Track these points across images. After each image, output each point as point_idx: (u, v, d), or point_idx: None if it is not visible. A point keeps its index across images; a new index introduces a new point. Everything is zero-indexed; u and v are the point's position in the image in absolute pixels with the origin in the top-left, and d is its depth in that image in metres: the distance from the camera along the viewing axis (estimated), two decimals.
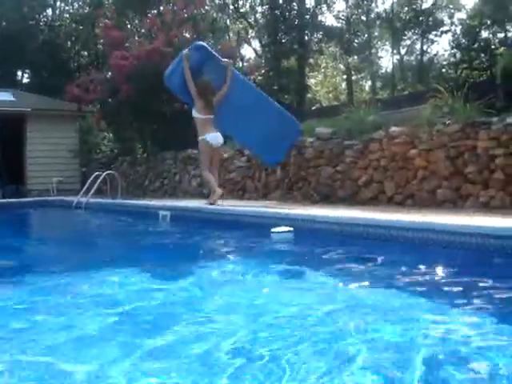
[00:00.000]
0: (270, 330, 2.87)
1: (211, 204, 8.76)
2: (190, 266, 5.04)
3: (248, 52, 32.36)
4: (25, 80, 32.36)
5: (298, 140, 10.12)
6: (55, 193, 16.07)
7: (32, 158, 17.13)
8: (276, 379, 2.12)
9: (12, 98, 18.23)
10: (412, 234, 5.24)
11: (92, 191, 12.36)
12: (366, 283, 4.06)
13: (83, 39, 30.11)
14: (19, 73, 32.37)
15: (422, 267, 4.52)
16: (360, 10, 29.64)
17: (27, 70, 31.96)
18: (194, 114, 9.17)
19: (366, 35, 29.63)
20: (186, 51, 8.97)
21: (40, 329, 2.98)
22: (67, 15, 33.16)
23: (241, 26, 30.58)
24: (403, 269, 4.42)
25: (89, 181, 12.96)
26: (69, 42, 30.82)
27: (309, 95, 28.35)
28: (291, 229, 6.15)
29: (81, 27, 30.48)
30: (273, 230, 6.15)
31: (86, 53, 31.71)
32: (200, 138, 9.24)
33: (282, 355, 2.37)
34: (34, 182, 16.98)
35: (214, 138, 9.15)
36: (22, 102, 17.84)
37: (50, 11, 32.79)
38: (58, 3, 32.95)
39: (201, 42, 9.81)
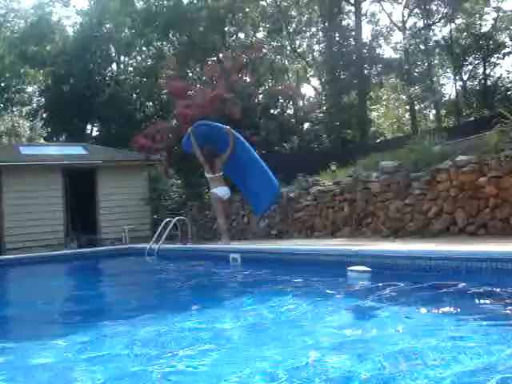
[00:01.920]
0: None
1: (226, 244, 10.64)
2: (269, 305, 5.07)
3: (308, 90, 32.61)
4: (94, 133, 33.64)
5: (363, 176, 10.10)
6: (127, 241, 16.47)
7: (104, 208, 17.70)
8: None
9: (84, 152, 18.99)
10: None
11: (163, 237, 12.61)
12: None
13: (147, 91, 31.17)
14: (89, 126, 33.71)
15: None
16: (418, 40, 29.47)
17: (96, 124, 33.24)
18: (205, 173, 11.23)
19: (426, 64, 29.37)
20: (190, 128, 11.15)
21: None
22: (131, 68, 34.45)
23: (299, 65, 30.93)
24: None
25: (160, 227, 13.23)
26: (134, 95, 31.96)
27: (372, 128, 28.23)
28: (369, 269, 6.05)
29: (144, 79, 31.59)
30: (350, 268, 6.10)
31: (150, 103, 32.78)
32: (211, 191, 11.32)
33: None
34: (106, 231, 17.49)
35: (221, 191, 11.08)
36: (93, 155, 18.56)
37: (114, 66, 34.18)
38: (122, 58, 34.31)
39: (201, 121, 11.84)
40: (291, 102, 20.56)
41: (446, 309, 4.35)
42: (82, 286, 8.95)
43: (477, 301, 4.53)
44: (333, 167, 13.06)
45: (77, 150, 19.22)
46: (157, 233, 13.14)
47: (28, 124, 33.16)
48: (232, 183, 11.91)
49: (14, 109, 35.36)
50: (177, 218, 13.45)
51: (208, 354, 3.42)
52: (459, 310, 4.32)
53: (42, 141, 31.66)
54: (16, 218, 16.34)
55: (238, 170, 11.15)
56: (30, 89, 36.62)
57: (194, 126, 11.24)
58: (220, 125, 11.22)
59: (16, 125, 30.60)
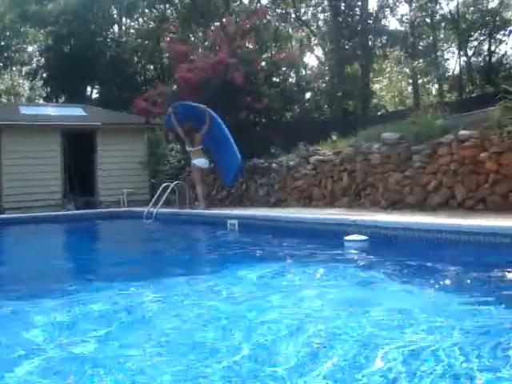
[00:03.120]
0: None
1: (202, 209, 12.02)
2: (264, 272, 5.09)
3: (311, 60, 32.34)
4: (94, 95, 33.39)
5: (363, 147, 10.06)
6: (125, 204, 16.47)
7: (102, 171, 17.63)
8: None
9: (83, 113, 18.86)
10: None
11: (161, 202, 12.62)
12: None
13: (149, 54, 30.82)
14: (89, 88, 33.44)
15: None
16: (424, 13, 29.11)
17: (96, 86, 32.96)
18: (186, 147, 12.89)
19: (431, 38, 29.07)
20: (171, 108, 12.71)
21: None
22: (133, 31, 34.05)
23: (303, 34, 30.61)
24: None
25: (158, 192, 13.24)
26: (135, 57, 31.61)
27: (374, 101, 28.04)
28: (365, 238, 6.08)
29: (146, 42, 31.22)
30: (346, 238, 6.12)
31: (151, 67, 32.47)
32: (191, 162, 12.70)
33: None
34: (104, 194, 17.45)
35: (200, 162, 12.52)
36: (92, 117, 18.44)
37: (116, 28, 33.77)
38: (124, 19, 33.88)
39: (180, 102, 13.14)
40: (294, 71, 20.35)
41: (440, 281, 4.38)
42: (77, 247, 8.99)
43: (472, 274, 4.55)
44: (333, 137, 13.01)
45: (76, 111, 19.07)
46: (155, 197, 13.16)
47: (28, 84, 32.83)
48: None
49: (14, 68, 35.02)
50: (175, 182, 13.45)
51: (201, 320, 3.43)
52: (451, 283, 4.34)
53: (41, 101, 31.42)
54: (14, 177, 16.27)
55: (214, 143, 12.66)
56: (30, 48, 36.22)
57: (174, 106, 12.77)
58: (197, 104, 12.54)
59: (16, 84, 30.30)
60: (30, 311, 3.78)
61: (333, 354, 2.60)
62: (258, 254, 6.45)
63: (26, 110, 18.54)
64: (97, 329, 3.22)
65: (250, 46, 16.77)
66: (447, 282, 4.34)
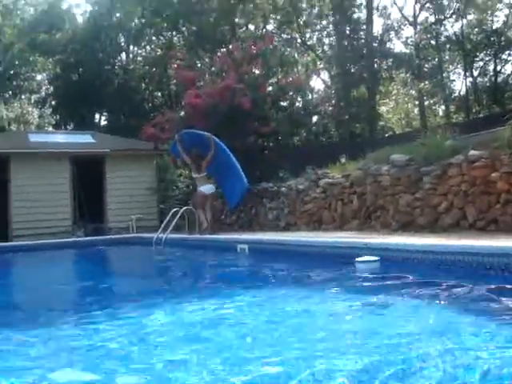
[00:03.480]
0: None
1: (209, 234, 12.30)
2: (276, 297, 5.05)
3: (317, 83, 32.49)
4: (102, 122, 33.64)
5: (373, 169, 10.04)
6: (134, 230, 16.47)
7: (111, 197, 17.68)
8: None
9: (92, 140, 18.98)
10: None
11: (171, 227, 12.61)
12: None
13: (156, 81, 31.13)
14: (97, 115, 33.71)
15: None
16: (429, 35, 29.27)
17: (104, 113, 33.22)
18: (192, 174, 13.25)
19: (437, 59, 29.19)
20: (177, 136, 13.22)
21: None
22: (140, 58, 34.39)
23: (309, 58, 30.82)
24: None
25: (167, 217, 13.23)
26: (143, 84, 31.89)
27: (381, 123, 28.09)
28: (377, 258, 6.03)
29: (154, 69, 31.52)
30: (357, 259, 6.07)
31: (159, 94, 32.73)
32: (198, 189, 12.86)
33: None
34: (113, 220, 17.47)
35: (206, 188, 12.74)
36: (101, 144, 18.54)
37: (123, 55, 34.12)
38: (131, 47, 34.24)
39: (185, 130, 13.56)
40: (300, 95, 20.45)
41: (453, 302, 4.31)
42: (88, 274, 8.96)
43: (486, 296, 4.48)
44: (342, 160, 13.01)
45: (85, 138, 19.20)
46: (164, 222, 13.15)
47: (37, 112, 33.15)
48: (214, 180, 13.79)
49: (23, 96, 35.36)
50: (184, 208, 13.45)
51: (210, 345, 3.39)
52: (468, 306, 4.27)
53: (50, 128, 31.67)
54: (23, 204, 16.34)
55: (220, 169, 13.10)
56: (39, 77, 36.62)
57: (180, 134, 13.24)
58: (202, 132, 12.99)
59: (25, 112, 30.57)
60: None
61: None
62: (268, 278, 6.41)
63: (35, 138, 18.69)
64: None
65: (257, 72, 16.88)
66: (459, 303, 4.27)
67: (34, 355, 3.35)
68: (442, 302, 4.28)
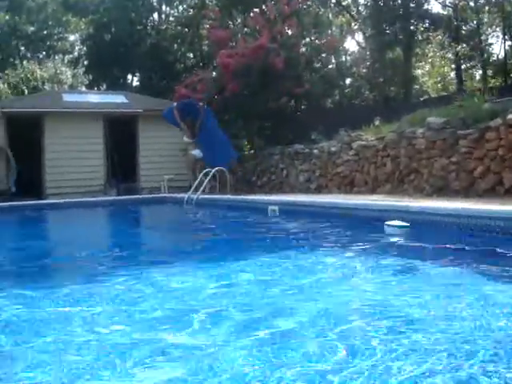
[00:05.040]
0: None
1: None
2: (303, 257, 5.04)
3: (352, 45, 31.93)
4: (134, 83, 33.67)
5: (408, 132, 9.87)
6: (166, 190, 16.55)
7: (144, 157, 17.77)
8: None
9: (125, 100, 19.01)
10: None
11: (202, 188, 12.64)
12: None
13: (189, 41, 30.90)
14: (129, 76, 33.73)
15: None
16: None
17: (137, 73, 33.22)
18: (184, 139, 14.77)
19: (475, 22, 28.37)
20: (175, 105, 14.64)
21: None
22: (172, 18, 34.13)
23: (343, 19, 30.21)
24: None
25: (199, 178, 13.27)
26: (175, 45, 31.70)
27: (416, 86, 27.56)
28: (407, 224, 5.92)
29: (186, 29, 31.28)
30: (387, 223, 6.00)
31: (191, 54, 32.52)
32: (191, 152, 14.55)
33: None
34: (145, 180, 17.59)
35: (197, 152, 14.40)
36: (134, 104, 18.57)
37: (156, 15, 33.90)
38: (164, 7, 33.98)
39: (182, 100, 15.18)
40: (334, 56, 20.12)
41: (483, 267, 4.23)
42: (121, 231, 9.07)
43: None
44: (376, 123, 12.83)
45: (118, 98, 19.24)
46: (195, 182, 13.19)
47: (70, 72, 33.33)
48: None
49: (57, 56, 35.54)
50: (216, 168, 13.45)
51: (237, 305, 3.39)
52: (496, 270, 4.19)
53: (83, 88, 31.83)
54: (57, 163, 16.53)
55: (206, 137, 14.39)
56: (72, 37, 36.73)
57: (178, 103, 14.72)
58: (195, 102, 14.87)
59: (58, 72, 30.71)
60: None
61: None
62: (297, 240, 6.41)
63: (68, 98, 18.78)
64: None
65: (290, 32, 16.62)
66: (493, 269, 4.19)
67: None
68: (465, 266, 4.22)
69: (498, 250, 4.75)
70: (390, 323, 2.76)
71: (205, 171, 13.29)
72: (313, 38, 18.82)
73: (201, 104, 14.55)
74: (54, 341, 2.67)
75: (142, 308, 3.29)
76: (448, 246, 5.24)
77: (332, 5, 29.69)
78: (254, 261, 4.94)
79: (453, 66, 30.67)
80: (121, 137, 17.52)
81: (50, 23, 34.63)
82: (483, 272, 4.03)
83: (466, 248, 5.10)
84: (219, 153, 14.15)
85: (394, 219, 6.08)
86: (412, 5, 25.45)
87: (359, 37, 29.48)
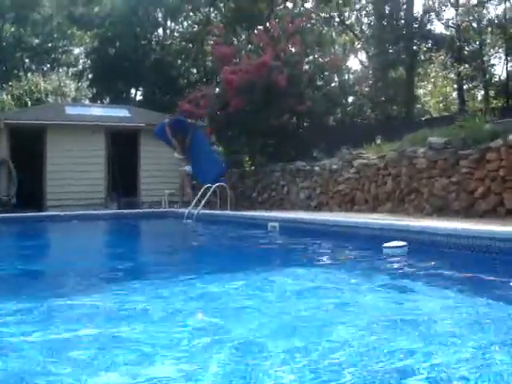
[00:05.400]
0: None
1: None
2: (300, 274, 5.03)
3: (354, 64, 32.10)
4: (138, 97, 33.79)
5: (409, 151, 9.89)
6: (167, 205, 16.54)
7: (145, 171, 17.78)
8: None
9: (128, 114, 19.07)
10: None
11: (203, 203, 12.64)
12: None
13: (193, 57, 31.05)
14: (133, 90, 33.85)
15: None
16: (471, 17, 28.56)
17: (140, 88, 33.35)
18: (175, 155, 15.13)
19: (478, 42, 28.52)
20: (167, 121, 15.14)
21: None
22: (177, 34, 34.32)
23: (347, 38, 30.40)
24: None
25: (199, 193, 13.27)
26: (179, 60, 31.85)
27: (418, 106, 27.64)
28: (405, 243, 5.89)
29: (190, 45, 31.45)
30: (385, 244, 5.94)
31: (195, 70, 32.67)
32: (184, 168, 15.01)
33: None
34: (146, 194, 17.58)
35: (189, 168, 14.94)
36: (136, 118, 18.61)
37: (161, 31, 34.10)
38: (169, 23, 34.19)
39: (174, 117, 15.84)
40: (337, 75, 20.23)
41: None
42: (120, 245, 9.05)
43: None
44: (378, 141, 12.86)
45: (121, 111, 19.30)
46: (196, 198, 13.20)
47: (74, 85, 33.47)
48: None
49: (61, 69, 35.71)
50: (216, 184, 13.46)
51: (232, 321, 3.38)
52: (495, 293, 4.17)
53: (87, 102, 31.95)
54: (58, 176, 16.55)
55: (195, 153, 15.07)
56: (76, 50, 36.92)
57: (169, 120, 15.31)
58: (184, 119, 15.53)
59: (62, 85, 30.87)
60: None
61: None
62: (298, 257, 6.40)
63: (71, 110, 18.85)
64: None
65: (294, 49, 16.71)
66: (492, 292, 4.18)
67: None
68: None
69: (498, 270, 4.75)
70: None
71: (205, 186, 13.29)
72: (316, 56, 18.92)
73: (189, 120, 15.28)
74: None
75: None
76: (446, 266, 5.23)
77: (336, 24, 29.91)
78: (250, 277, 4.92)
79: (455, 86, 30.80)
80: (122, 150, 17.55)
81: (55, 36, 34.83)
82: (481, 293, 4.02)
83: (464, 269, 5.10)
84: (208, 168, 14.64)
85: (393, 238, 6.05)
86: (415, 25, 25.62)
87: (362, 56, 29.70)
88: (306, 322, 3.24)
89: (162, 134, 15.14)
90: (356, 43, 30.03)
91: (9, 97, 27.00)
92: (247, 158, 18.06)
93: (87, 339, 2.95)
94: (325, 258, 6.45)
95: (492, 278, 4.64)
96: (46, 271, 5.99)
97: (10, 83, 28.44)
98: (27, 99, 27.14)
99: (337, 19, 29.77)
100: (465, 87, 29.43)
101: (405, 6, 25.64)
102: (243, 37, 23.43)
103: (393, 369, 2.37)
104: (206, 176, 14.43)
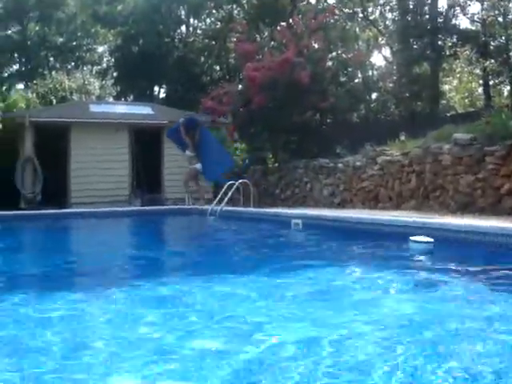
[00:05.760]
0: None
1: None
2: (322, 272, 5.00)
3: (378, 59, 31.86)
4: (161, 94, 33.92)
5: (433, 148, 9.78)
6: (190, 201, 16.57)
7: (168, 169, 17.83)
8: None
9: (151, 112, 19.13)
10: None
11: (226, 200, 12.64)
12: None
13: (216, 54, 31.08)
14: (156, 88, 33.99)
15: None
16: (496, 12, 28.16)
17: (163, 85, 33.47)
18: (187, 153, 14.69)
19: (504, 37, 28.11)
20: (182, 119, 14.78)
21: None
22: (200, 31, 34.38)
23: (370, 33, 30.16)
24: None
25: (223, 190, 13.28)
26: (202, 57, 31.90)
27: (443, 102, 27.33)
28: (431, 240, 5.82)
29: (213, 42, 31.49)
30: (412, 238, 5.90)
31: (218, 67, 32.70)
32: (194, 165, 14.53)
33: None
34: (170, 191, 17.63)
35: (199, 166, 14.46)
36: (160, 115, 18.66)
37: (183, 28, 34.18)
38: (192, 20, 34.24)
39: (186, 116, 15.51)
40: (361, 71, 20.08)
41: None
42: (145, 241, 9.10)
43: None
44: (402, 137, 12.74)
45: (145, 109, 19.37)
46: (219, 195, 13.20)
47: (98, 83, 33.72)
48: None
49: (85, 67, 36.00)
50: (239, 181, 13.45)
51: (258, 317, 3.36)
52: None
53: (111, 99, 32.15)
54: (82, 173, 16.66)
55: (203, 150, 14.79)
56: (100, 48, 37.16)
57: (184, 120, 14.85)
58: (195, 118, 15.55)
59: (86, 83, 31.11)
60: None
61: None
62: (320, 255, 6.36)
63: (95, 108, 18.97)
64: None
65: (317, 46, 16.62)
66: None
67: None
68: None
69: None
70: None
71: (228, 183, 13.29)
72: (339, 52, 18.80)
73: (200, 119, 15.26)
74: None
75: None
76: (474, 263, 5.16)
77: (359, 19, 29.69)
78: (271, 275, 4.90)
79: (480, 81, 30.42)
80: (146, 148, 17.62)
81: (79, 34, 35.10)
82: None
83: (492, 266, 5.02)
84: (216, 163, 14.60)
85: (419, 235, 5.99)
86: (440, 20, 25.33)
87: (386, 51, 29.43)
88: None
89: (175, 135, 15.12)
90: (380, 39, 29.78)
91: (34, 95, 27.22)
92: (270, 155, 18.00)
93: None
94: (350, 255, 6.40)
95: None
96: (84, 269, 6.04)
97: (34, 81, 28.69)
98: (52, 97, 27.34)
99: (360, 15, 29.55)
100: (491, 83, 29.03)
101: (429, 1, 25.34)
102: (266, 33, 23.33)
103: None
104: (212, 172, 14.74)
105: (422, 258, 5.62)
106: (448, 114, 24.34)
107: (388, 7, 29.64)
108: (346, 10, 28.96)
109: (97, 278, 5.17)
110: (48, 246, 8.38)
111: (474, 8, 31.08)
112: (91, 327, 3.22)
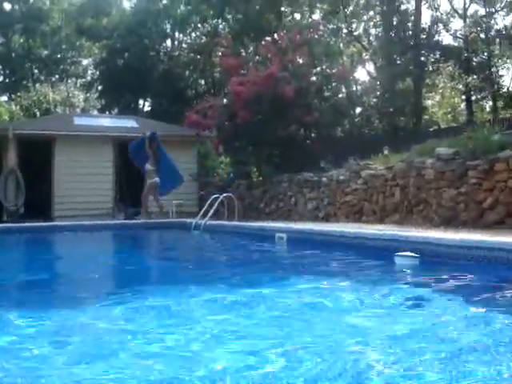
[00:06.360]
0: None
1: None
2: (304, 287, 4.99)
3: (362, 75, 32.12)
4: (146, 108, 33.93)
5: (417, 162, 9.85)
6: (174, 215, 16.53)
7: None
8: None
9: (135, 125, 19.10)
10: None
11: (210, 213, 12.62)
12: None
13: (200, 68, 31.20)
14: (141, 101, 34.00)
15: None
16: (479, 28, 28.54)
17: (148, 99, 33.50)
18: (148, 167, 14.81)
19: (486, 53, 28.47)
20: (148, 133, 15.04)
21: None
22: (185, 45, 34.50)
23: (354, 49, 30.43)
24: None
25: (207, 203, 13.26)
26: (187, 71, 31.99)
27: (426, 117, 27.58)
28: (417, 255, 5.83)
29: (198, 56, 31.60)
30: (397, 254, 5.92)
31: (202, 81, 32.81)
32: (154, 179, 14.82)
33: None
34: (154, 205, 17.55)
35: (157, 179, 14.80)
36: (144, 129, 18.59)
37: (169, 42, 34.29)
38: (177, 34, 34.37)
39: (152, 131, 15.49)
40: (345, 86, 20.23)
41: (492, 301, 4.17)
42: (127, 255, 9.05)
43: None
44: (385, 152, 12.83)
45: (129, 122, 19.35)
46: (203, 208, 13.18)
47: (82, 95, 33.70)
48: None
49: (69, 80, 35.94)
50: (224, 194, 13.45)
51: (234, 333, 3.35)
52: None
53: (95, 112, 32.10)
54: (66, 186, 16.58)
55: (161, 163, 15.07)
56: (85, 61, 37.16)
57: (149, 133, 15.14)
58: (155, 132, 15.55)
59: (71, 95, 31.08)
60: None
61: None
62: (304, 269, 6.36)
63: (80, 121, 18.92)
64: None
65: (301, 61, 16.74)
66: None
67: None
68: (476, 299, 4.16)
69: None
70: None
71: (213, 197, 13.28)
72: (324, 67, 18.92)
73: (157, 134, 15.31)
74: None
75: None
76: (457, 277, 5.18)
77: (343, 35, 29.95)
78: (257, 289, 4.89)
79: (463, 96, 30.74)
80: (130, 161, 17.56)
81: (64, 47, 35.13)
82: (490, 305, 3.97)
83: (475, 280, 5.05)
84: (170, 177, 15.02)
85: (402, 249, 6.01)
86: (423, 36, 25.64)
87: (370, 67, 29.67)
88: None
89: (136, 149, 15.24)
90: (364, 54, 30.04)
91: (17, 107, 27.14)
92: (255, 169, 18.04)
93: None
94: (332, 269, 6.41)
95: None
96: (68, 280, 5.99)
97: (18, 94, 28.61)
98: (36, 110, 27.28)
99: (345, 30, 29.81)
100: (473, 98, 29.34)
101: (412, 17, 25.69)
102: (251, 48, 23.51)
103: None
104: (169, 184, 15.13)
105: (407, 272, 5.64)
106: (431, 129, 24.51)
107: (372, 23, 29.98)
108: (331, 26, 29.21)
109: (75, 292, 5.13)
110: (26, 260, 8.31)
111: (457, 24, 31.45)
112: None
